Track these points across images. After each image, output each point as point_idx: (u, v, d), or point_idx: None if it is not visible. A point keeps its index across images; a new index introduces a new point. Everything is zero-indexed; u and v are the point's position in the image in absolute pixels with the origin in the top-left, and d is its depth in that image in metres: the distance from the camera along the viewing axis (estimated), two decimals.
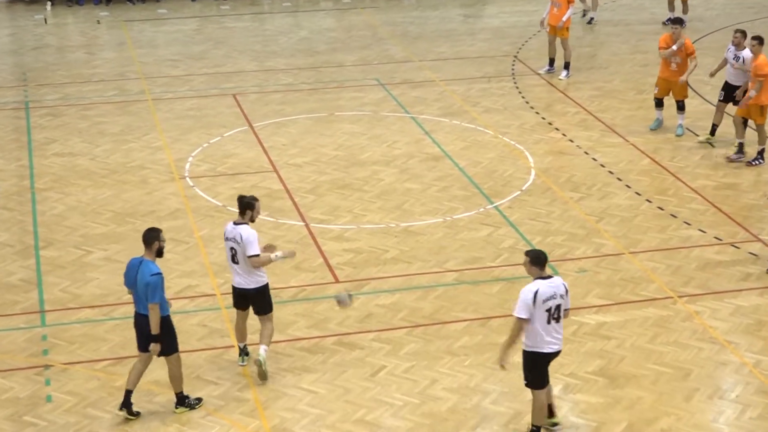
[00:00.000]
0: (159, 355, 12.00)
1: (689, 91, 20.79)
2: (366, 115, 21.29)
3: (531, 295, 11.14)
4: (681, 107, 20.30)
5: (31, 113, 21.33)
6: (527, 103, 21.95)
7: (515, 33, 26.86)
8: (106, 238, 16.28)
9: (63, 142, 19.89)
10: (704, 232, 16.57)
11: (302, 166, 18.88)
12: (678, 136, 20.26)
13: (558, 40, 23.40)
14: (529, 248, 14.70)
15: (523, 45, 25.53)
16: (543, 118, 21.10)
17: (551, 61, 23.74)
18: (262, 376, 12.77)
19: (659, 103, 20.57)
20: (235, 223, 12.64)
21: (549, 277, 11.32)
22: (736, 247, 16.07)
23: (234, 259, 12.66)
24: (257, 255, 12.53)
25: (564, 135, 20.25)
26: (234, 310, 13.13)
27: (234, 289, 12.88)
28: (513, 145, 19.75)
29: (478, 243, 16.14)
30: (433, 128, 20.58)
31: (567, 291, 11.38)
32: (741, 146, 19.16)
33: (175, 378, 12.24)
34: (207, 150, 19.39)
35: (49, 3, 29.33)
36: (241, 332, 13.14)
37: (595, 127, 20.65)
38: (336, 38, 26.59)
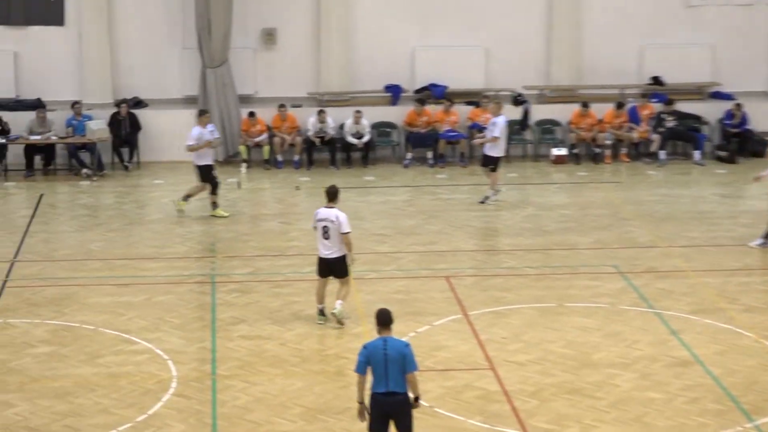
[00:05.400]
0: None
1: None
2: (602, 307, 20.80)
3: None
4: None
5: (218, 288, 21.66)
6: None
7: None
8: None
9: (251, 324, 19.90)
10: None
11: (525, 364, 18.36)
12: None
13: None
14: None
15: None
16: None
17: None
18: (340, 322, 19.23)
19: None
20: (328, 207, 19.02)
21: None
22: None
23: (325, 235, 18.87)
24: (349, 232, 18.96)
25: None
26: None
27: (321, 259, 19.14)
28: None
29: None
30: (682, 327, 19.87)
31: None
32: None
33: None
34: (414, 340, 18.83)
35: (244, 165, 30.33)
36: (320, 295, 19.42)
37: None
38: (569, 216, 26.71)
